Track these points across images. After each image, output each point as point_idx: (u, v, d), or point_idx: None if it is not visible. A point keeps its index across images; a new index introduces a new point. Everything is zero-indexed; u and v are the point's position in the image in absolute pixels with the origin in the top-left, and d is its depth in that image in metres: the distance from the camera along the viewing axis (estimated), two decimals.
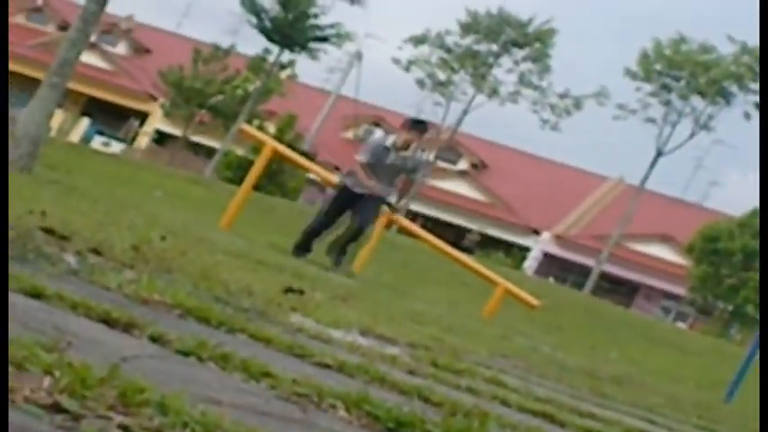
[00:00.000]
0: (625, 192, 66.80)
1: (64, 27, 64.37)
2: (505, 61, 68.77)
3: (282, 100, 66.06)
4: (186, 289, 4.99)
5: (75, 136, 66.15)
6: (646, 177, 64.89)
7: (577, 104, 69.52)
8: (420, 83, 71.47)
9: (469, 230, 68.06)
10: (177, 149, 69.80)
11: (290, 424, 2.72)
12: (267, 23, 60.59)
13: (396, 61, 70.82)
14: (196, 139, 69.86)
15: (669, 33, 65.24)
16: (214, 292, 5.32)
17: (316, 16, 60.87)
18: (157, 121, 75.07)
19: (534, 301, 18.52)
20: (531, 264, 73.20)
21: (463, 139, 76.20)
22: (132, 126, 75.69)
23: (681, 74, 62.03)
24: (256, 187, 17.80)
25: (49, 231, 5.64)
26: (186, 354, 3.28)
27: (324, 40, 62.44)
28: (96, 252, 5.46)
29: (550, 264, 74.23)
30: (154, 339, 3.36)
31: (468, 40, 69.77)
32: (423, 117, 20.29)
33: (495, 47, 69.03)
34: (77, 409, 2.13)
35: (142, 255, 6.02)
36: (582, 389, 6.82)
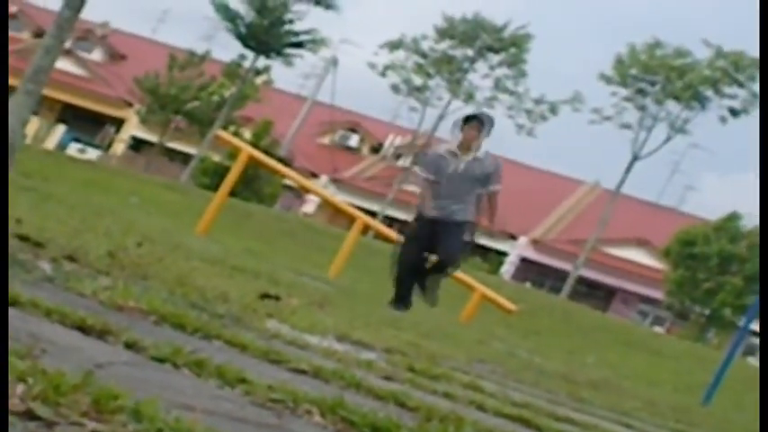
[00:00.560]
0: (601, 196, 67.03)
1: (39, 34, 64.22)
2: (481, 66, 68.84)
3: (258, 106, 66.05)
4: (162, 295, 4.99)
5: (51, 143, 66.13)
6: (622, 182, 64.96)
7: (553, 110, 69.57)
8: (395, 88, 71.44)
9: None
10: (153, 156, 69.73)
11: (264, 430, 2.72)
12: (242, 29, 60.61)
13: (371, 66, 70.73)
14: (172, 145, 69.79)
15: (645, 38, 65.59)
16: (190, 299, 5.32)
17: (291, 22, 60.88)
18: (133, 128, 74.97)
19: (511, 306, 18.60)
20: (508, 268, 73.25)
21: (442, 142, 76.36)
22: (108, 133, 75.62)
23: (656, 78, 62.16)
24: (232, 193, 17.80)
25: (23, 238, 5.63)
26: (161, 360, 3.28)
27: (299, 45, 62.46)
28: (71, 259, 5.46)
29: (527, 268, 74.31)
30: (129, 346, 3.36)
31: (443, 46, 69.80)
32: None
33: (470, 52, 69.07)
34: (51, 417, 2.13)
35: (118, 261, 6.02)
36: (559, 393, 6.83)
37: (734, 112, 61.55)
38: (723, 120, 62.12)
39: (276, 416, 2.99)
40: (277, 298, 7.05)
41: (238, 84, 62.85)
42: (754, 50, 62.94)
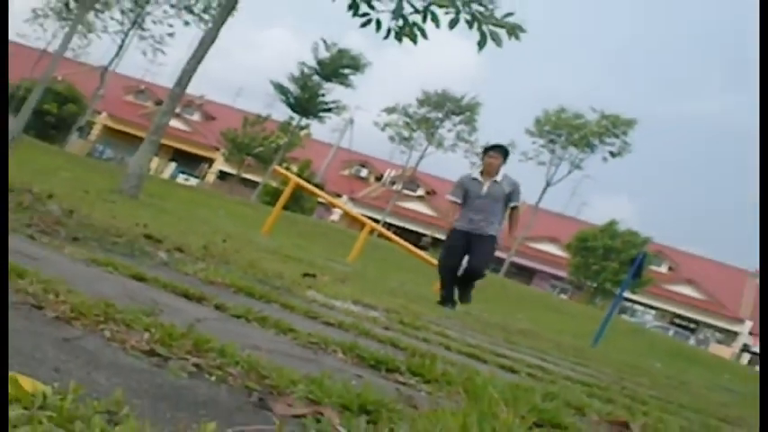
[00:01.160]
0: (527, 209, 66.86)
1: (158, 103, 64.07)
2: (447, 124, 68.89)
3: (301, 150, 66.21)
4: (238, 274, 4.97)
5: (166, 174, 65.94)
6: (539, 200, 65.15)
7: None
8: (391, 138, 71.67)
9: (425, 235, 67.73)
10: (233, 183, 69.70)
11: (306, 362, 2.71)
12: (291, 100, 60.68)
13: (375, 124, 70.90)
14: (245, 176, 69.68)
15: (555, 105, 66.21)
16: (257, 276, 5.30)
17: (323, 95, 60.87)
18: (220, 164, 74.90)
19: None
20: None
21: (420, 175, 76.10)
22: (203, 168, 75.59)
23: (561, 132, 62.55)
24: (285, 207, 17.70)
25: (148, 237, 5.62)
26: (238, 317, 3.27)
27: (328, 110, 62.39)
28: (180, 250, 5.44)
29: None
30: (217, 307, 3.35)
31: (422, 110, 70.00)
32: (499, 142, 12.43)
33: (440, 114, 69.31)
34: (166, 354, 2.13)
35: (210, 252, 6.00)
36: (498, 338, 6.79)
37: (612, 154, 61.86)
38: (605, 159, 62.33)
39: (313, 353, 2.98)
40: (314, 276, 7.02)
41: (288, 136, 62.84)
42: (627, 113, 63.69)
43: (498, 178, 10.90)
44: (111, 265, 3.65)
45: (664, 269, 73.76)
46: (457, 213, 11.17)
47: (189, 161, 74.64)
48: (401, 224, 69.43)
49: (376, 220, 34.57)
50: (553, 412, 2.68)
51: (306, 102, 60.72)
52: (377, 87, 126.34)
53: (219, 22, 16.59)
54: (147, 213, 9.55)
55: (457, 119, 68.39)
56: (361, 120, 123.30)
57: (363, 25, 15.29)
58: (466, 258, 11.01)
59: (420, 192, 79.15)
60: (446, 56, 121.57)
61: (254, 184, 67.08)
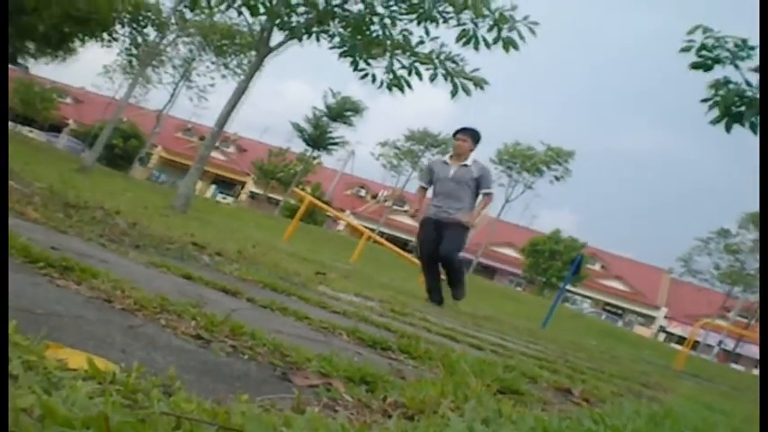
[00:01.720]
0: (490, 221, 66.73)
1: (202, 138, 64.10)
2: (427, 154, 69.01)
3: (313, 175, 66.49)
4: (265, 273, 4.96)
5: (208, 194, 65.91)
6: (500, 213, 65.13)
7: None
8: (384, 166, 72.07)
9: (411, 241, 67.85)
10: (261, 201, 69.71)
11: (318, 343, 2.70)
12: (306, 136, 60.92)
13: (371, 154, 71.52)
14: (271, 195, 69.70)
15: (511, 140, 66.48)
16: (279, 274, 5.29)
17: (330, 132, 61.04)
18: (251, 186, 74.93)
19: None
20: None
21: (407, 194, 76.17)
22: (237, 189, 75.62)
23: (516, 161, 62.63)
24: (301, 220, 17.69)
25: (194, 244, 5.61)
26: (265, 307, 3.26)
27: (335, 144, 62.53)
28: (219, 254, 5.43)
29: None
30: (248, 300, 3.33)
31: (408, 144, 70.31)
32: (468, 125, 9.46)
33: (422, 147, 69.51)
34: (209, 337, 2.12)
35: (243, 255, 5.99)
36: (468, 322, 6.79)
37: (556, 178, 62.05)
38: (551, 182, 62.46)
39: (324, 336, 2.97)
40: (324, 274, 7.02)
41: (304, 164, 62.97)
42: (569, 146, 64.06)
43: (468, 162, 8.78)
44: (166, 266, 3.65)
45: (597, 267, 73.82)
46: (426, 201, 9.14)
47: (226, 184, 74.75)
48: (392, 233, 69.34)
49: (372, 230, 34.57)
50: (512, 381, 2.68)
51: (317, 137, 60.94)
52: (373, 126, 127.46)
53: (250, 75, 16.69)
54: (194, 225, 9.54)
55: (435, 150, 68.46)
56: (360, 151, 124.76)
57: (362, 78, 15.59)
58: None
59: (407, 207, 79.29)
60: (426, 101, 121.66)
61: (277, 202, 67.06)
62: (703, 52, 9.96)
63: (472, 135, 8.90)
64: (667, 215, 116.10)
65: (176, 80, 45.30)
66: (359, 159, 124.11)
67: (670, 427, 2.45)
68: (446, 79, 15.11)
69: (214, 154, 50.90)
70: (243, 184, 76.62)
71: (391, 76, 15.53)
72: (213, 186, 72.18)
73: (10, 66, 47.80)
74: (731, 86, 9.89)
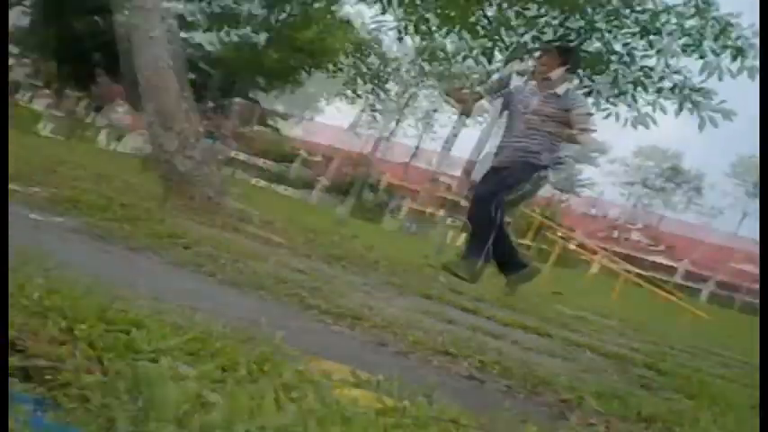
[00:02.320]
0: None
1: (449, 188, 65.35)
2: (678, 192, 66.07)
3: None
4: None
5: (459, 243, 66.39)
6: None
7: None
8: (634, 205, 69.86)
9: (668, 282, 64.84)
10: None
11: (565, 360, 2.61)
12: (553, 181, 60.31)
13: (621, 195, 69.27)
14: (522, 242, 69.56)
15: None
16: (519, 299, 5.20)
17: (577, 175, 60.13)
18: None
19: None
20: None
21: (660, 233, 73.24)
22: None
23: None
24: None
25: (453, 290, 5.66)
26: (505, 325, 3.20)
27: (582, 186, 61.46)
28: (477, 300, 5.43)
29: None
30: (487, 318, 3.30)
31: (658, 182, 67.73)
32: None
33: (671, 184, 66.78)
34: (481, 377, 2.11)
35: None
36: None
37: None
38: None
39: (569, 353, 2.88)
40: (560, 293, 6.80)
41: (552, 208, 62.35)
42: None
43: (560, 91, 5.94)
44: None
45: None
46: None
47: None
48: (647, 273, 66.56)
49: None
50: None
51: (564, 181, 60.03)
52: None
53: (491, 124, 17.07)
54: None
55: (687, 186, 65.14)
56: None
57: (605, 118, 15.77)
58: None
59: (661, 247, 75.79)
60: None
61: (527, 247, 66.46)
62: None
63: (564, 53, 6.23)
64: None
65: (420, 132, 46.71)
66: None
67: None
68: (692, 113, 15.08)
69: (463, 202, 51.11)
70: None
71: (635, 113, 15.55)
72: (465, 235, 72.59)
73: (242, 101, 51.42)
74: None
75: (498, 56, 16.45)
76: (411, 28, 16.10)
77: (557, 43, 6.23)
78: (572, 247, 21.44)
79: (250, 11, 40.45)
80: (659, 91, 15.42)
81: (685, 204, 66.05)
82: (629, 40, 15.38)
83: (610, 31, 15.32)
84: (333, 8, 40.06)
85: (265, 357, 1.41)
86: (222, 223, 4.66)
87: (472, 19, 15.97)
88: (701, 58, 14.79)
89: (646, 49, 15.31)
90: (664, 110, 15.34)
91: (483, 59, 16.48)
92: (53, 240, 2.58)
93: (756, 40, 14.01)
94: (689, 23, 14.85)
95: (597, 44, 15.53)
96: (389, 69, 37.49)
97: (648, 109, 15.45)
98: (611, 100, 15.68)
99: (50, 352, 1.16)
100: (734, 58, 14.55)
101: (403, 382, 1.56)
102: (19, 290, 1.35)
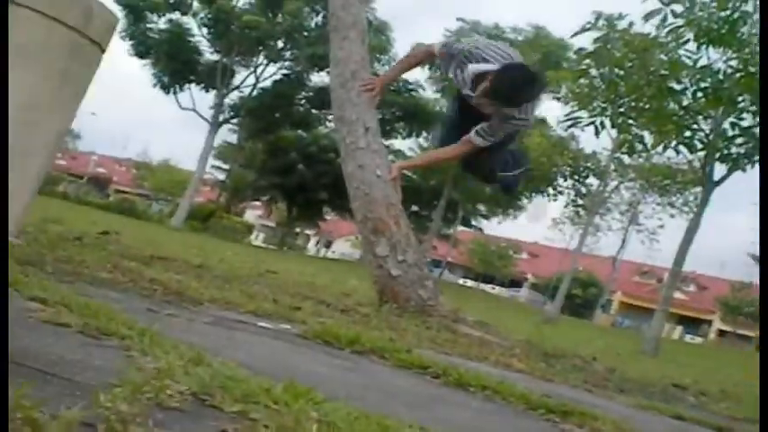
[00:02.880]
0: None
1: (660, 280, 62.71)
2: None
3: None
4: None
5: (675, 335, 63.26)
6: None
7: None
8: None
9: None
10: (731, 338, 65.10)
11: None
12: None
13: None
14: (741, 332, 64.90)
15: None
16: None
17: None
18: (717, 324, 70.65)
19: None
20: None
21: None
22: (705, 328, 71.75)
23: None
24: None
25: (675, 385, 5.38)
26: None
27: None
28: (703, 394, 5.12)
29: None
30: None
31: None
32: None
33: None
34: None
35: (727, 395, 5.58)
36: None
37: None
38: None
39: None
40: None
41: None
42: None
43: None
44: (655, 408, 3.57)
45: None
46: None
47: (691, 323, 71.37)
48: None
49: None
50: None
51: None
52: None
53: (699, 212, 16.32)
54: (670, 367, 9.22)
55: None
56: None
57: None
58: None
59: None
60: None
61: (749, 338, 62.09)
62: None
63: None
64: None
65: (625, 225, 45.55)
66: None
67: None
68: None
69: (675, 294, 49.29)
70: (709, 323, 72.49)
71: None
72: (680, 327, 69.28)
73: (465, 228, 52.05)
74: None
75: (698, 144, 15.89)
76: (607, 122, 15.88)
77: None
78: None
79: None
80: None
81: None
82: None
83: None
84: None
85: None
86: (438, 326, 4.71)
87: (688, 133, 15.63)
88: None
89: None
90: None
91: (683, 149, 16.00)
92: (285, 348, 2.71)
93: None
94: None
95: None
96: (589, 164, 37.14)
97: None
98: None
99: None
100: None
101: None
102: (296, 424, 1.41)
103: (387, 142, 30.43)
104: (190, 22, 37.27)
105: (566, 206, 41.15)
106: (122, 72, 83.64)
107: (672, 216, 41.22)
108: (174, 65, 36.40)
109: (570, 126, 17.29)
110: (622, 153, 31.57)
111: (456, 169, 41.04)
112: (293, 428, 1.37)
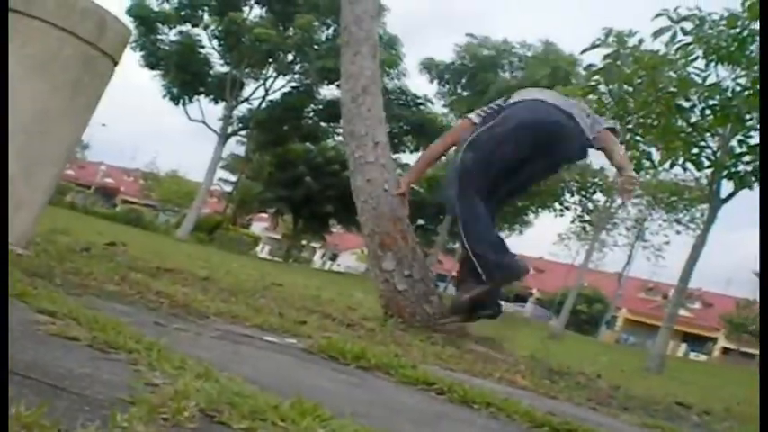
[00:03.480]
0: None
1: (665, 297, 62.49)
2: None
3: None
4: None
5: (679, 353, 63.03)
6: None
7: None
8: None
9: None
10: (735, 356, 64.78)
11: None
12: None
13: None
14: (745, 350, 64.62)
15: None
16: None
17: None
18: (722, 342, 70.28)
19: None
20: None
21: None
22: (709, 345, 71.40)
23: None
24: None
25: (679, 404, 5.35)
26: None
27: None
28: (706, 413, 5.09)
29: None
30: None
31: None
32: None
33: None
34: None
35: (731, 413, 5.56)
36: None
37: None
38: None
39: None
40: None
41: None
42: None
43: None
44: (659, 427, 3.55)
45: None
46: None
47: (696, 341, 71.05)
48: None
49: None
50: None
51: None
52: None
53: (706, 229, 16.27)
54: (673, 385, 9.18)
55: None
56: None
57: None
58: None
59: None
60: None
61: (753, 356, 61.76)
62: None
63: None
64: None
65: (631, 241, 45.47)
66: None
67: None
68: None
69: (680, 311, 49.06)
70: (714, 340, 72.17)
71: None
72: (684, 344, 68.99)
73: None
74: None
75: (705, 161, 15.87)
76: None
77: None
78: None
79: None
80: None
81: None
82: None
83: None
84: None
85: None
86: (443, 341, 4.71)
87: (695, 150, 15.65)
88: None
89: None
90: None
91: (690, 166, 15.98)
92: (291, 362, 2.71)
93: None
94: None
95: None
96: (596, 180, 37.14)
97: None
98: None
99: None
100: None
101: None
102: None
103: (394, 156, 30.50)
104: (201, 34, 37.46)
105: (572, 221, 41.13)
106: (132, 83, 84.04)
107: (678, 233, 41.15)
108: (184, 76, 36.55)
109: None
110: None
111: None
112: None
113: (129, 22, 21.71)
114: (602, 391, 4.88)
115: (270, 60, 38.01)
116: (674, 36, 14.48)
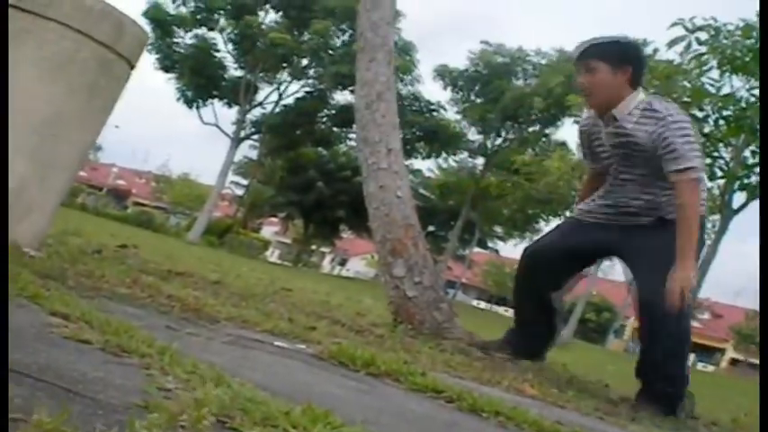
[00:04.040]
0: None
1: None
2: None
3: None
4: None
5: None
6: None
7: None
8: None
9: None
10: (743, 367, 64.46)
11: None
12: None
13: None
14: (753, 361, 64.28)
15: None
16: None
17: None
18: (730, 353, 69.89)
19: None
20: None
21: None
22: (717, 356, 70.92)
23: None
24: None
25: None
26: None
27: None
28: (714, 424, 5.07)
29: None
30: None
31: None
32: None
33: None
34: None
35: (738, 425, 5.52)
36: None
37: None
38: None
39: None
40: None
41: None
42: None
43: (620, 114, 3.78)
44: None
45: None
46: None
47: (705, 351, 70.72)
48: None
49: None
50: None
51: None
52: None
53: (717, 239, 16.24)
54: None
55: None
56: None
57: None
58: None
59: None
60: None
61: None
62: None
63: (600, 54, 3.79)
64: None
65: None
66: None
67: None
68: None
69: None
70: (722, 351, 71.79)
71: None
72: (692, 355, 68.60)
73: (481, 250, 52.00)
74: None
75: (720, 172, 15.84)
76: None
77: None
78: None
79: (467, 137, 41.82)
80: None
81: None
82: None
83: None
84: (547, 131, 40.53)
85: None
86: (452, 348, 4.69)
87: (708, 160, 15.63)
88: None
89: None
90: None
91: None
92: (301, 368, 2.71)
93: None
94: None
95: None
96: None
97: None
98: None
99: None
100: None
101: None
102: None
103: (407, 162, 30.52)
104: (216, 38, 37.61)
105: None
106: (147, 86, 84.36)
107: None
108: (199, 80, 36.69)
109: None
110: None
111: (474, 190, 41.15)
112: None
113: (144, 25, 21.78)
114: (610, 401, 4.86)
115: (284, 65, 38.12)
116: (688, 46, 14.45)
